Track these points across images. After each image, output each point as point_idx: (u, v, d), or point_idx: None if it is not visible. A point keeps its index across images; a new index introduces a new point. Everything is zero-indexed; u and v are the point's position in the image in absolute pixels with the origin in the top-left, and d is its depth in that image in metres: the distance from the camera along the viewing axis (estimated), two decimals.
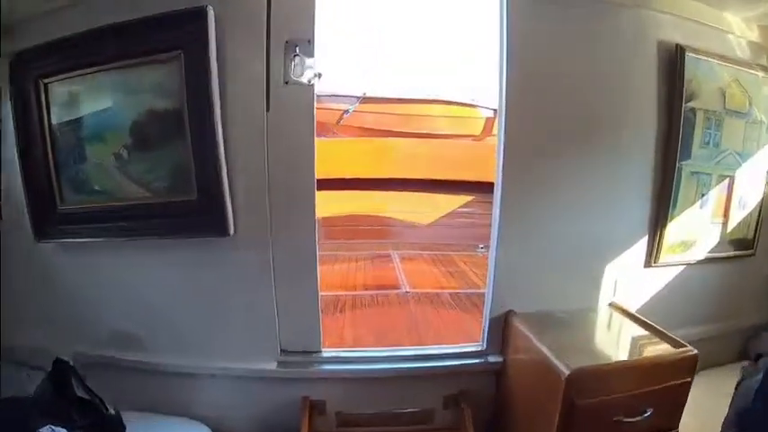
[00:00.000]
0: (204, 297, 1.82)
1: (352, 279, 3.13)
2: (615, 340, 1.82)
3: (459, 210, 4.82)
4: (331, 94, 4.71)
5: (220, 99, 1.55)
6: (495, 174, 1.79)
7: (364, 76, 4.62)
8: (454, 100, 4.77)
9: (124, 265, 1.81)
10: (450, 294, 2.73)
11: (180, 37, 1.53)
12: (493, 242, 1.83)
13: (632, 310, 1.91)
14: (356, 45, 4.75)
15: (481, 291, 2.80)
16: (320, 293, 1.82)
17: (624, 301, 1.97)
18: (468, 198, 4.74)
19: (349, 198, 4.58)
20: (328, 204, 4.50)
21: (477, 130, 4.94)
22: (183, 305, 1.84)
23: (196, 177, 1.61)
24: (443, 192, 4.71)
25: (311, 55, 1.60)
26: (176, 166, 1.64)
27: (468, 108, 4.82)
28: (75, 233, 1.79)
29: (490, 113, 4.92)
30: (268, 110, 1.60)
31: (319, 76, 1.62)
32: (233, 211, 1.64)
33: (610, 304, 1.97)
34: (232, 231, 1.64)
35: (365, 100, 4.73)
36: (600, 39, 1.75)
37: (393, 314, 2.45)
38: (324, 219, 4.37)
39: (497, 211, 1.79)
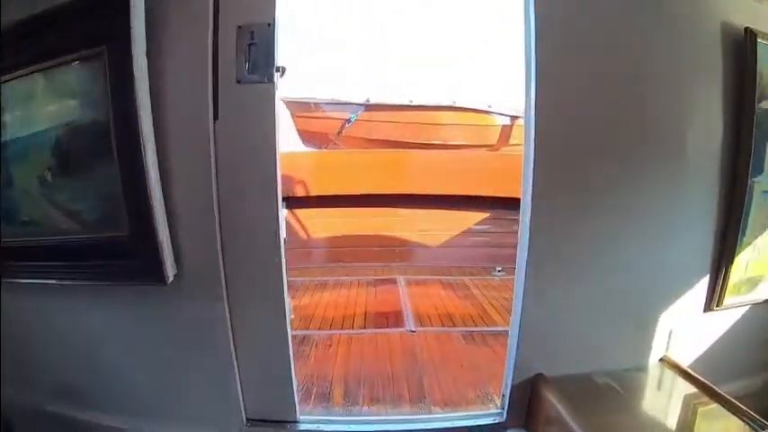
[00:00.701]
0: (151, 351, 1.47)
1: (351, 310, 2.75)
2: (670, 414, 1.41)
3: (474, 227, 4.39)
4: (330, 100, 4.38)
5: (153, 106, 1.20)
6: (517, 191, 1.43)
7: (367, 71, 4.28)
8: (468, 106, 4.39)
9: (65, 310, 1.51)
10: (463, 334, 2.33)
11: (101, 27, 1.19)
12: (518, 289, 1.44)
13: (687, 365, 1.52)
14: (357, 40, 4.45)
15: (500, 329, 2.39)
16: (292, 346, 1.46)
17: (678, 352, 1.56)
18: (484, 215, 4.27)
19: (351, 216, 4.20)
20: (328, 223, 4.16)
21: (493, 139, 4.55)
22: (129, 360, 1.51)
23: (127, 208, 1.26)
24: (457, 208, 4.24)
25: (272, 44, 1.24)
26: (105, 193, 1.30)
27: (482, 115, 4.43)
28: (13, 272, 1.50)
29: (506, 120, 4.52)
30: (216, 117, 1.25)
31: (282, 71, 1.26)
32: (172, 251, 1.28)
33: (661, 360, 1.55)
34: (171, 276, 1.28)
35: (369, 107, 4.38)
36: (648, 24, 1.35)
37: (394, 360, 2.07)
38: (322, 239, 4.01)
39: (524, 244, 1.40)
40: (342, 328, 2.50)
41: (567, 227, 1.38)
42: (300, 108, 4.49)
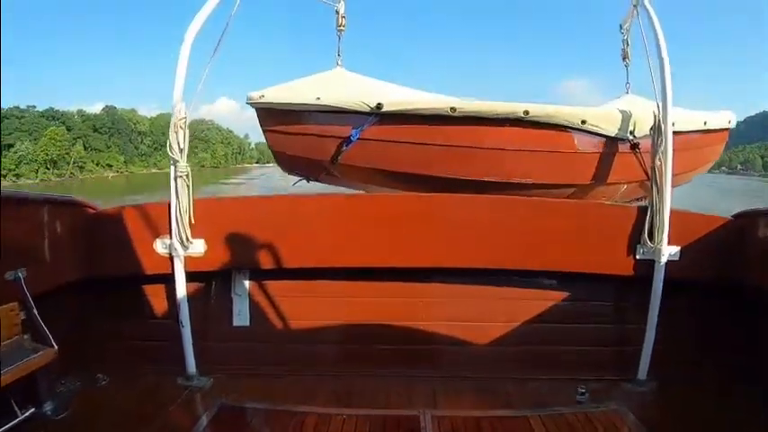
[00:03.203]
0: None
1: None
2: None
3: (545, 311, 2.67)
4: (322, 107, 2.73)
5: None
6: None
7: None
8: (547, 119, 2.65)
9: None
10: None
11: None
12: None
13: None
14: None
15: None
16: None
17: None
18: (561, 294, 2.64)
19: (347, 295, 2.67)
20: (314, 310, 2.65)
21: (583, 176, 2.78)
22: None
23: None
24: (520, 286, 2.65)
25: None
26: None
27: (570, 134, 2.68)
28: None
29: (597, 143, 2.74)
30: None
31: None
32: None
33: None
34: None
35: (383, 119, 2.68)
36: None
37: None
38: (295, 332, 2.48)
39: None
40: None
41: None
42: (278, 118, 2.90)
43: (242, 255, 2.47)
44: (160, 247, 2.38)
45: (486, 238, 2.49)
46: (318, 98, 2.70)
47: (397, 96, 2.71)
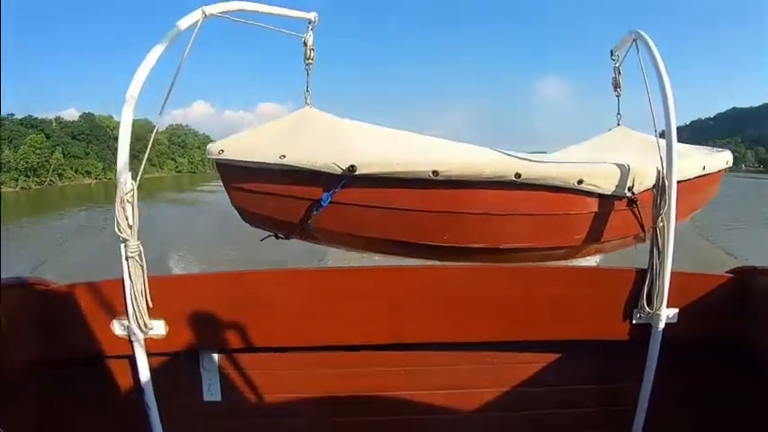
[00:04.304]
0: None
1: None
2: None
3: (534, 374, 2.53)
4: (287, 167, 2.39)
5: None
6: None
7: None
8: (545, 181, 2.37)
9: None
10: None
11: None
12: None
13: None
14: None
15: None
16: None
17: None
18: (551, 357, 2.53)
19: (329, 369, 2.49)
20: (289, 382, 2.49)
21: (576, 234, 2.51)
22: None
23: None
24: (506, 350, 2.44)
25: None
26: None
27: (568, 196, 2.40)
28: None
29: (593, 203, 2.46)
30: None
31: None
32: None
33: None
34: None
35: (355, 181, 2.35)
36: None
37: None
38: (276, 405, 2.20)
39: None
40: None
41: None
42: (240, 176, 2.55)
43: (208, 334, 2.30)
44: (118, 328, 2.20)
45: (470, 312, 2.35)
46: (283, 156, 2.38)
47: (373, 154, 2.39)
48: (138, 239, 2.09)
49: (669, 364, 2.33)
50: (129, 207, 2.04)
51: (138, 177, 2.12)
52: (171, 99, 2.23)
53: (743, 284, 2.36)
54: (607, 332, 2.38)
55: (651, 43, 2.43)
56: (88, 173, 71.61)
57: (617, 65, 3.15)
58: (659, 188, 2.26)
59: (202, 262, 12.06)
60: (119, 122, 2.20)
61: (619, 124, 3.31)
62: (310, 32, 2.82)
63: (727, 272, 2.42)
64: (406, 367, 2.55)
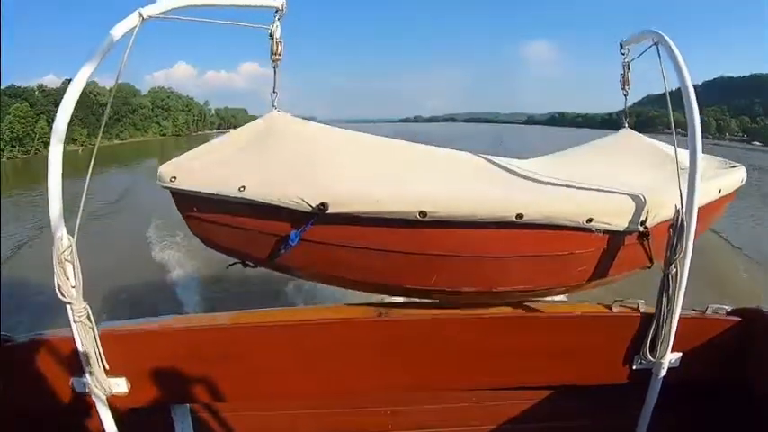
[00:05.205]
0: None
1: None
2: None
3: (525, 411, 2.51)
4: (248, 201, 2.03)
5: None
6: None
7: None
8: (548, 221, 2.03)
9: None
10: None
11: None
12: None
13: None
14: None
15: None
16: None
17: None
18: (544, 394, 2.50)
19: (314, 410, 2.49)
20: (271, 426, 2.46)
21: (581, 277, 2.23)
22: None
23: None
24: (498, 389, 2.38)
25: None
26: None
27: (562, 233, 2.07)
28: None
29: (602, 239, 2.17)
30: None
31: None
32: None
33: None
34: None
35: (326, 220, 2.01)
36: None
37: None
38: None
39: None
40: None
41: None
42: (196, 205, 2.17)
43: (176, 390, 2.16)
44: (78, 386, 2.03)
45: (462, 362, 2.23)
46: (243, 188, 2.02)
47: (348, 187, 2.03)
48: (85, 301, 1.85)
49: (669, 409, 2.25)
50: (69, 266, 1.78)
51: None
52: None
53: (748, 327, 2.28)
54: (605, 377, 2.30)
55: (675, 49, 2.09)
56: (74, 140, 70.42)
57: (626, 60, 2.78)
58: (676, 228, 2.00)
59: (182, 232, 11.53)
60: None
61: (625, 126, 3.03)
62: (277, 23, 2.35)
63: (730, 312, 2.32)
64: (391, 407, 2.51)
